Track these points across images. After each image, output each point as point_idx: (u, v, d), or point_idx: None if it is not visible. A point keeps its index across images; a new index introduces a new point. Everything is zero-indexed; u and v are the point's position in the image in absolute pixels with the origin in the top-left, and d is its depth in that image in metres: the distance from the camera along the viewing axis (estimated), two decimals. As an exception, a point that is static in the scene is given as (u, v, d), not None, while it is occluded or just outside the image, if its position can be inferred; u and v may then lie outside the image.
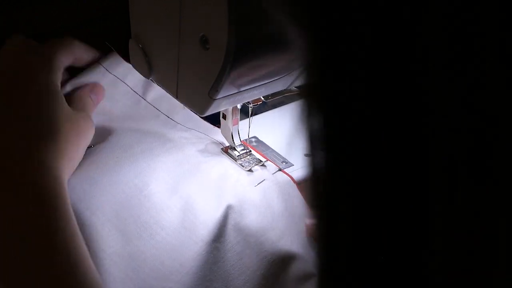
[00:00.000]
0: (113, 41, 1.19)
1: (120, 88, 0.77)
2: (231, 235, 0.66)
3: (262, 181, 0.71)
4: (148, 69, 0.67)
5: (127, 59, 0.69)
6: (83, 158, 0.69)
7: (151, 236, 0.64)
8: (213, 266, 0.65)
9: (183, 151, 0.72)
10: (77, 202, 0.64)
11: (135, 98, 0.78)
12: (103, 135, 0.73)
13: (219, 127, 0.75)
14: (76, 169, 0.68)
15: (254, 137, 0.78)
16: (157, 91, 0.78)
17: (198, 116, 0.77)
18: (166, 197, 0.67)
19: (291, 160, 0.75)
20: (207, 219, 0.66)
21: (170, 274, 0.63)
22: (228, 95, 0.63)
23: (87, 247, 0.61)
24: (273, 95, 0.69)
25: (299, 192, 0.71)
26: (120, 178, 0.67)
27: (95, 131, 0.71)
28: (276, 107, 0.85)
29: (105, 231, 0.63)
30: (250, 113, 0.73)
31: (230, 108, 0.71)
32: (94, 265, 0.60)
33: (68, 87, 0.76)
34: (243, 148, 0.74)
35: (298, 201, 0.71)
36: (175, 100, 0.76)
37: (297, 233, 0.69)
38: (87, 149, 0.70)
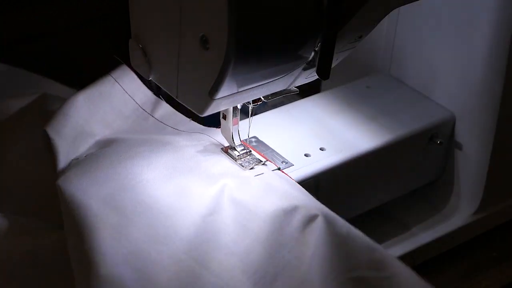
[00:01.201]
0: (113, 41, 1.19)
1: (129, 105, 0.79)
2: (227, 209, 0.67)
3: (261, 174, 0.71)
4: (148, 69, 0.67)
5: (128, 61, 0.70)
6: (84, 161, 0.71)
7: (146, 209, 0.65)
8: (211, 237, 0.65)
9: (183, 151, 0.72)
10: (74, 191, 0.66)
11: (144, 115, 0.79)
12: (106, 145, 0.74)
13: (219, 127, 0.75)
14: (76, 167, 0.69)
15: (254, 137, 0.78)
16: (165, 109, 0.80)
17: (202, 127, 0.78)
18: (163, 182, 0.68)
19: (291, 160, 0.75)
20: (203, 197, 0.67)
21: (163, 239, 0.63)
22: (228, 95, 0.63)
23: (83, 226, 0.63)
24: (273, 95, 0.69)
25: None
26: (117, 170, 0.69)
27: (99, 143, 0.73)
28: (276, 107, 0.85)
29: (100, 209, 0.65)
30: (250, 113, 0.73)
31: (230, 108, 0.71)
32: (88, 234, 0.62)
33: (80, 98, 0.77)
34: (243, 148, 0.74)
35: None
36: (182, 115, 0.77)
37: (297, 193, 0.69)
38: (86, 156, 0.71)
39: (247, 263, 0.63)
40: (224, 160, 0.73)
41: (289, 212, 0.66)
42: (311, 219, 0.65)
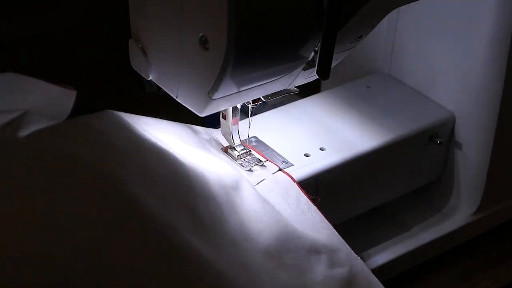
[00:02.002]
0: (113, 41, 1.19)
1: None
2: (247, 193, 0.67)
3: (262, 180, 0.71)
4: (148, 69, 0.67)
5: (128, 61, 0.70)
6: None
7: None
8: (230, 205, 0.65)
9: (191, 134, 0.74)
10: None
11: None
12: None
13: (219, 127, 0.75)
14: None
15: (254, 137, 0.78)
16: None
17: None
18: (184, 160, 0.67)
19: (291, 160, 0.75)
20: (225, 171, 0.67)
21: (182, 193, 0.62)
22: (228, 95, 0.64)
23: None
24: (273, 95, 0.70)
25: (300, 191, 0.71)
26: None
27: None
28: (276, 107, 0.85)
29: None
30: (250, 113, 0.74)
31: (230, 108, 0.71)
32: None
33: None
34: (243, 148, 0.74)
35: (298, 200, 0.71)
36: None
37: (303, 221, 0.69)
38: None
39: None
40: (226, 160, 0.73)
41: (296, 236, 0.66)
42: (317, 251, 0.66)
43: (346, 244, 0.69)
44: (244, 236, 0.64)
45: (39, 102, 0.98)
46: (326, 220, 0.70)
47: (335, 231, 0.70)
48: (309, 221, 0.69)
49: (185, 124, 0.75)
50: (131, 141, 0.64)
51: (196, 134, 0.74)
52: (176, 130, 0.73)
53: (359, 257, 0.69)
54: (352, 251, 0.69)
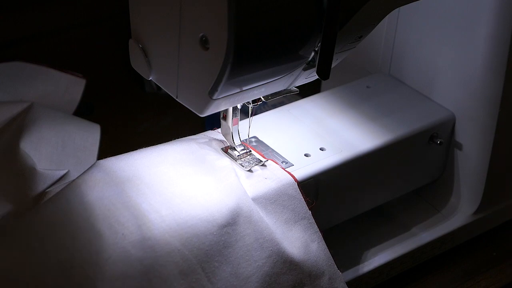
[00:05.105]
0: (113, 41, 1.19)
1: None
2: (242, 225, 0.67)
3: (264, 179, 0.72)
4: (148, 69, 0.67)
5: (128, 61, 0.70)
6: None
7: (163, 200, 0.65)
8: (224, 250, 0.65)
9: (188, 144, 0.73)
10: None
11: None
12: None
13: (219, 127, 0.75)
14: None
15: (254, 137, 0.78)
16: None
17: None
18: (176, 176, 0.68)
19: (291, 160, 0.75)
20: (219, 205, 0.67)
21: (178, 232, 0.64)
22: (228, 95, 0.64)
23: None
24: (273, 95, 0.70)
25: (299, 192, 0.72)
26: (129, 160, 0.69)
27: None
28: (276, 107, 0.85)
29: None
30: (250, 113, 0.74)
31: (230, 108, 0.71)
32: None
33: None
34: (243, 148, 0.74)
35: (293, 207, 0.71)
36: None
37: (297, 238, 0.70)
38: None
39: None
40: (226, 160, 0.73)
41: (287, 265, 0.68)
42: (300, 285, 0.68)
43: (331, 260, 0.71)
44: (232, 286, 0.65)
45: (47, 90, 0.99)
46: (317, 230, 0.71)
47: (323, 244, 0.71)
48: (300, 236, 0.70)
49: (180, 140, 0.74)
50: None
51: (192, 151, 0.73)
52: (170, 154, 0.71)
53: (341, 275, 0.72)
54: (336, 269, 0.71)
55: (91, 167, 0.68)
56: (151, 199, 0.65)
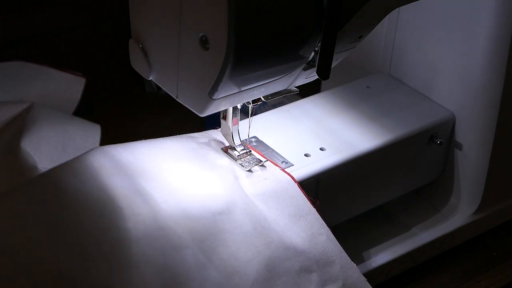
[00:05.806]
0: (113, 41, 1.19)
1: None
2: (238, 215, 0.67)
3: (264, 179, 0.72)
4: (148, 69, 0.67)
5: (128, 61, 0.70)
6: None
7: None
8: (220, 235, 0.65)
9: (188, 141, 0.73)
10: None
11: None
12: None
13: (219, 127, 0.75)
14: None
15: (254, 137, 0.78)
16: None
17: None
18: (175, 173, 0.68)
19: (291, 160, 0.75)
20: (214, 196, 0.67)
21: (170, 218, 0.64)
22: (228, 95, 0.64)
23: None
24: (273, 95, 0.70)
25: (300, 191, 0.72)
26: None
27: None
28: (276, 107, 0.85)
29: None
30: (250, 113, 0.74)
31: (230, 108, 0.71)
32: None
33: None
34: (243, 148, 0.74)
35: (297, 203, 0.71)
36: None
37: (302, 230, 0.69)
38: None
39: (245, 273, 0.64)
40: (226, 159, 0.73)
41: (290, 251, 0.67)
42: (306, 270, 0.67)
43: (343, 252, 0.70)
44: (231, 270, 0.64)
45: (48, 90, 0.99)
46: (324, 225, 0.70)
47: (332, 237, 0.70)
48: (306, 229, 0.69)
49: (180, 136, 0.75)
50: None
51: (191, 148, 0.73)
52: (170, 149, 0.72)
53: (355, 265, 0.70)
54: (349, 259, 0.69)
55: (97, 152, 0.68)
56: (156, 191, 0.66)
